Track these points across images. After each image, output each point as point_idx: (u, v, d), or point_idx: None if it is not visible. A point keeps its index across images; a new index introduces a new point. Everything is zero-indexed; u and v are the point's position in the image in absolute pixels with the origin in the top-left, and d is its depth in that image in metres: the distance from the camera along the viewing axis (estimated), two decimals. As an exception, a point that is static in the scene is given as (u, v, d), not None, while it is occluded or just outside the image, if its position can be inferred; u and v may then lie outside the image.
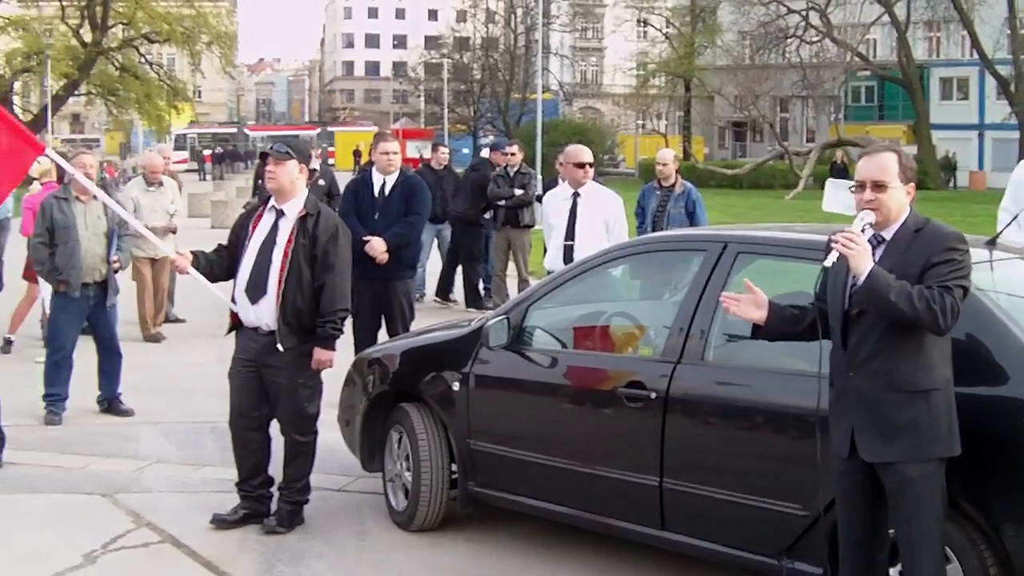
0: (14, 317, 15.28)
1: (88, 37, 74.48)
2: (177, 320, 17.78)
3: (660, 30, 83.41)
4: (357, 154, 77.91)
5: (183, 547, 8.14)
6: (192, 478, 9.80)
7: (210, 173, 78.09)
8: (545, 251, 12.44)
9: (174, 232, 16.52)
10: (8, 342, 15.12)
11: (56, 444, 10.83)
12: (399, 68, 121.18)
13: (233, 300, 8.49)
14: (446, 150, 21.14)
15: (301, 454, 8.43)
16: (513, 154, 18.91)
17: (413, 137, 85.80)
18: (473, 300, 19.09)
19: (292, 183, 8.33)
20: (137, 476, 9.85)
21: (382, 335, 11.53)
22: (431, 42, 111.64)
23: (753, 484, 6.64)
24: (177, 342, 16.26)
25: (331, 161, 66.11)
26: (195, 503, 9.02)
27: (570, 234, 11.49)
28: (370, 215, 11.62)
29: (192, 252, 8.59)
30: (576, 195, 11.57)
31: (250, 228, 8.44)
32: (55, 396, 11.64)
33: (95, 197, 11.59)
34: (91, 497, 9.28)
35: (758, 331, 6.22)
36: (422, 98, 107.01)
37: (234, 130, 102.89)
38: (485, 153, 22.01)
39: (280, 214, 8.33)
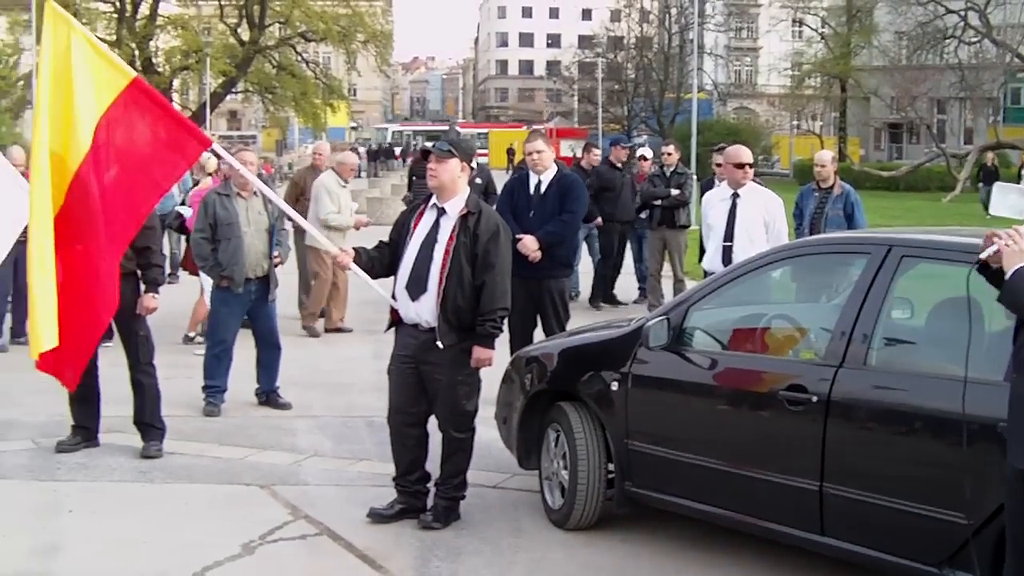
0: (194, 316, 15.50)
1: (246, 35, 75.50)
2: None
3: (816, 30, 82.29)
4: (511, 152, 78.03)
5: (340, 540, 8.21)
6: (348, 472, 9.87)
7: (365, 170, 78.73)
8: (703, 252, 12.36)
9: (357, 228, 16.72)
10: (189, 339, 15.32)
11: (215, 435, 11.01)
12: (553, 67, 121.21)
13: (393, 297, 8.54)
14: (599, 151, 21.03)
15: (458, 450, 8.46)
16: (670, 154, 18.82)
17: (566, 136, 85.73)
18: (596, 299, 19.04)
19: (454, 181, 8.36)
20: (295, 469, 9.96)
21: (538, 334, 11.56)
22: (585, 41, 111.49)
23: (915, 491, 6.52)
24: (334, 337, 16.42)
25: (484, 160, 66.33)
26: (351, 497, 9.11)
27: (729, 235, 11.40)
28: (525, 213, 11.64)
29: (354, 249, 8.67)
30: (735, 196, 11.48)
31: (411, 226, 8.48)
32: (214, 388, 11.82)
33: (256, 193, 11.76)
34: (249, 488, 9.41)
35: None
36: (575, 97, 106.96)
37: (446, 127, 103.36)
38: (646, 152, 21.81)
39: (442, 212, 8.35)
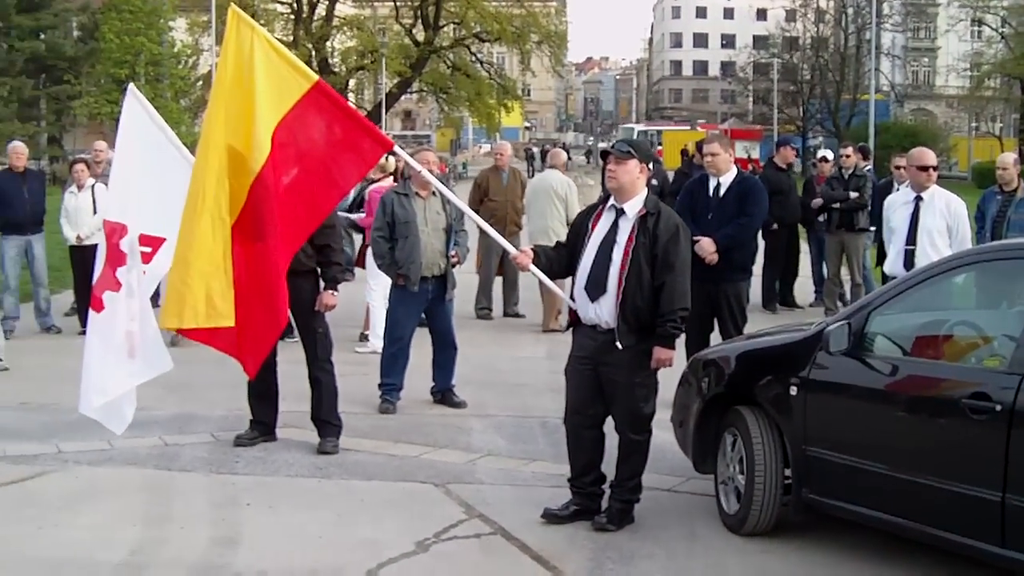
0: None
1: (421, 36, 76.26)
2: (517, 315, 18.03)
3: (996, 30, 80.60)
4: (684, 153, 77.61)
5: (514, 540, 8.21)
6: (523, 472, 9.88)
7: (539, 171, 78.78)
8: (884, 255, 12.17)
9: None
10: (366, 336, 15.46)
11: (390, 433, 11.09)
12: (727, 68, 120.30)
13: (572, 298, 8.53)
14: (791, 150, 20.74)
15: (635, 453, 8.42)
16: (848, 156, 18.58)
17: (741, 137, 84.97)
18: (770, 302, 18.82)
19: (632, 182, 8.32)
20: (469, 467, 10.00)
21: (714, 337, 11.48)
22: (760, 42, 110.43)
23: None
24: (509, 336, 16.48)
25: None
26: (526, 497, 9.11)
27: (911, 238, 11.22)
28: (704, 216, 11.56)
29: (533, 249, 8.68)
30: (918, 199, 11.29)
31: (590, 226, 8.46)
32: (390, 386, 11.92)
33: (434, 193, 11.83)
34: (424, 486, 9.47)
35: None
36: (750, 98, 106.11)
37: (687, 127, 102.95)
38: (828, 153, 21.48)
39: (620, 213, 8.32)
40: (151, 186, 10.11)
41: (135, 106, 10.32)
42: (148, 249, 10.02)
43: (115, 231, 10.01)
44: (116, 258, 9.96)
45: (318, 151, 9.23)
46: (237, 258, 9.14)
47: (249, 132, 9.07)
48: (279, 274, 9.17)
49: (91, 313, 10.09)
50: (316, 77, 9.32)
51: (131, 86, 10.78)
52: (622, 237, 8.23)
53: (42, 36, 69.23)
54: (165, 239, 9.97)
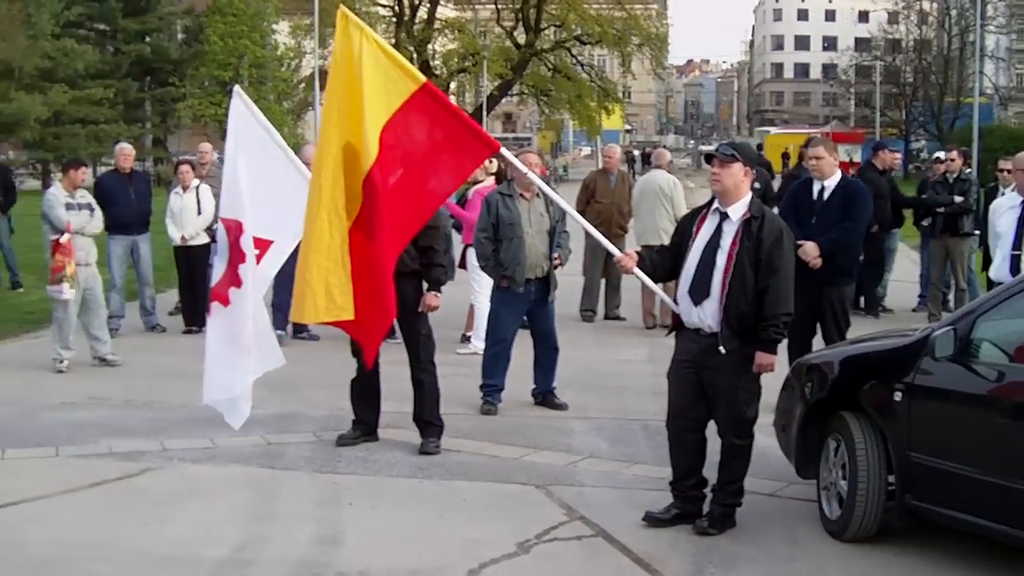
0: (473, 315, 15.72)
1: (522, 39, 76.38)
2: (618, 318, 18.01)
3: (1103, 31, 79.52)
4: (786, 156, 76.96)
5: (615, 542, 8.21)
6: (624, 474, 9.87)
7: (639, 173, 78.57)
8: (989, 260, 12.03)
9: None
10: (466, 339, 15.53)
11: (492, 434, 11.12)
12: (829, 70, 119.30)
13: (675, 301, 8.51)
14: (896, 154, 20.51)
15: (737, 457, 8.38)
16: (952, 160, 18.36)
17: (843, 141, 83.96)
18: (873, 306, 18.62)
19: (737, 186, 8.29)
20: (570, 470, 10.00)
21: (818, 342, 11.41)
22: (862, 44, 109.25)
23: None
24: (610, 339, 16.44)
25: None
26: (627, 499, 9.10)
27: (1017, 243, 11.08)
28: (807, 219, 11.48)
29: (637, 252, 8.68)
30: (1025, 203, 11.16)
31: (694, 230, 8.44)
32: (492, 387, 11.95)
33: (538, 195, 11.86)
34: (525, 488, 9.48)
35: None
36: (852, 101, 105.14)
37: (812, 131, 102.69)
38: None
39: (724, 217, 8.29)
40: (258, 188, 10.23)
41: (240, 108, 10.44)
42: (258, 251, 10.15)
43: (232, 228, 10.15)
44: (237, 255, 10.09)
45: (424, 152, 9.28)
46: (356, 255, 9.24)
47: (359, 132, 9.16)
48: (387, 273, 9.24)
49: (214, 307, 10.20)
50: (423, 78, 9.38)
51: (236, 88, 10.90)
52: (726, 241, 8.20)
53: (147, 39, 70.34)
54: (273, 241, 10.09)
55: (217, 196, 16.54)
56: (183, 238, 16.32)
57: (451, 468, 10.01)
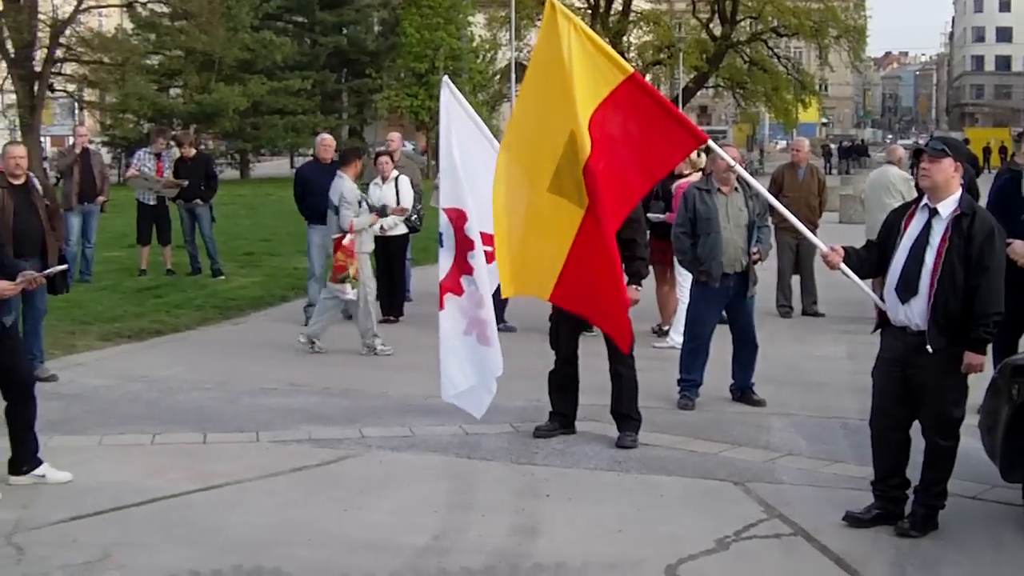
0: (667, 307, 15.66)
1: (718, 31, 75.97)
2: (816, 314, 17.78)
3: None
4: (987, 151, 75.25)
5: (814, 541, 8.08)
6: (823, 473, 9.71)
7: (836, 167, 77.65)
8: None
9: None
10: (664, 331, 15.45)
11: (689, 429, 11.04)
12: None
13: (882, 298, 8.36)
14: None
15: (942, 458, 8.19)
16: None
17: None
18: None
19: (947, 181, 8.10)
20: (769, 466, 9.88)
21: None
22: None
23: None
24: (808, 335, 16.25)
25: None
26: (827, 498, 8.95)
27: None
28: (1016, 216, 11.16)
29: (843, 248, 8.54)
30: None
31: (902, 226, 8.27)
32: (689, 382, 11.87)
33: (736, 189, 11.74)
34: (723, 484, 9.39)
35: None
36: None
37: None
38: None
39: (933, 213, 8.11)
40: (473, 179, 10.30)
41: (450, 99, 10.52)
42: (490, 248, 10.20)
43: (455, 218, 10.23)
44: (464, 243, 10.18)
45: (630, 142, 9.26)
46: (587, 243, 9.30)
47: (574, 121, 9.20)
48: (616, 261, 9.31)
49: (447, 299, 10.28)
50: (631, 68, 9.37)
51: (446, 79, 10.99)
52: (935, 238, 8.01)
53: (344, 32, 71.27)
54: (492, 235, 10.13)
55: (415, 187, 16.77)
56: (382, 228, 16.47)
57: (648, 462, 9.96)
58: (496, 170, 9.82)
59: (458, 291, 10.11)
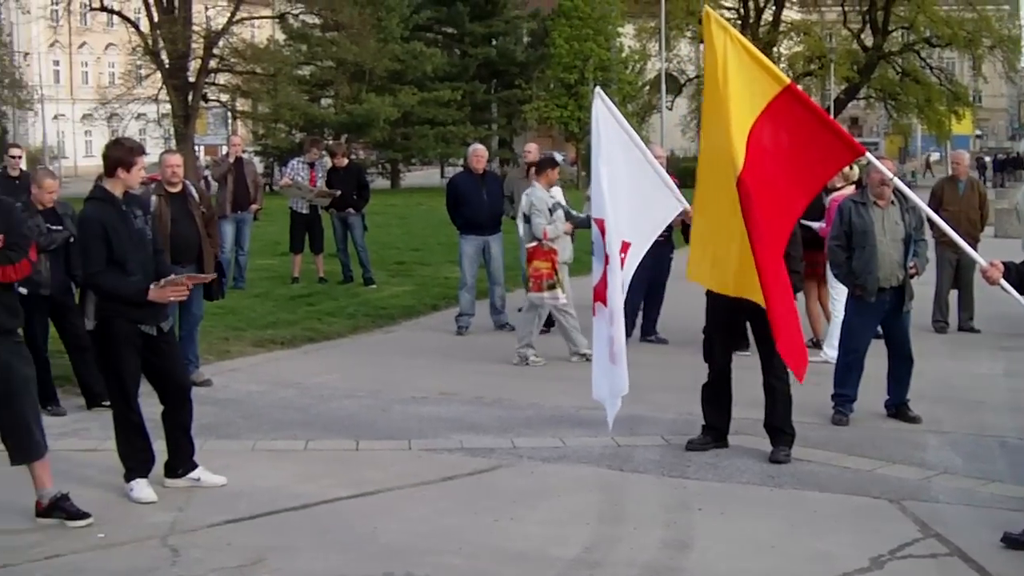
0: (815, 320, 15.54)
1: (869, 41, 75.11)
2: (972, 330, 17.47)
3: None
4: None
5: (971, 562, 7.91)
6: (981, 492, 9.50)
7: (991, 180, 76.34)
8: None
9: None
10: (815, 344, 15.25)
11: (843, 445, 10.89)
12: None
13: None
14: None
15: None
16: None
17: None
18: None
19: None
20: (924, 485, 9.70)
21: None
22: None
23: None
24: (964, 351, 15.93)
25: None
26: (984, 518, 8.76)
27: None
28: None
29: (1003, 263, 8.38)
30: None
31: (1067, 241, 8.12)
32: (844, 397, 11.72)
33: (893, 202, 11.59)
34: (878, 501, 9.23)
35: None
36: None
37: None
38: None
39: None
40: (619, 189, 10.30)
41: (602, 109, 10.50)
42: (622, 255, 10.21)
43: (603, 229, 10.25)
44: (605, 257, 10.19)
45: (787, 155, 9.20)
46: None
47: (728, 134, 9.18)
48: (777, 278, 9.25)
49: (598, 307, 10.30)
50: (787, 80, 9.32)
51: (598, 89, 10.98)
52: (1102, 253, 7.86)
53: (494, 43, 71.69)
54: (631, 243, 10.13)
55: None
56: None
57: (801, 478, 9.84)
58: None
59: (605, 301, 10.13)
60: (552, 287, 14.26)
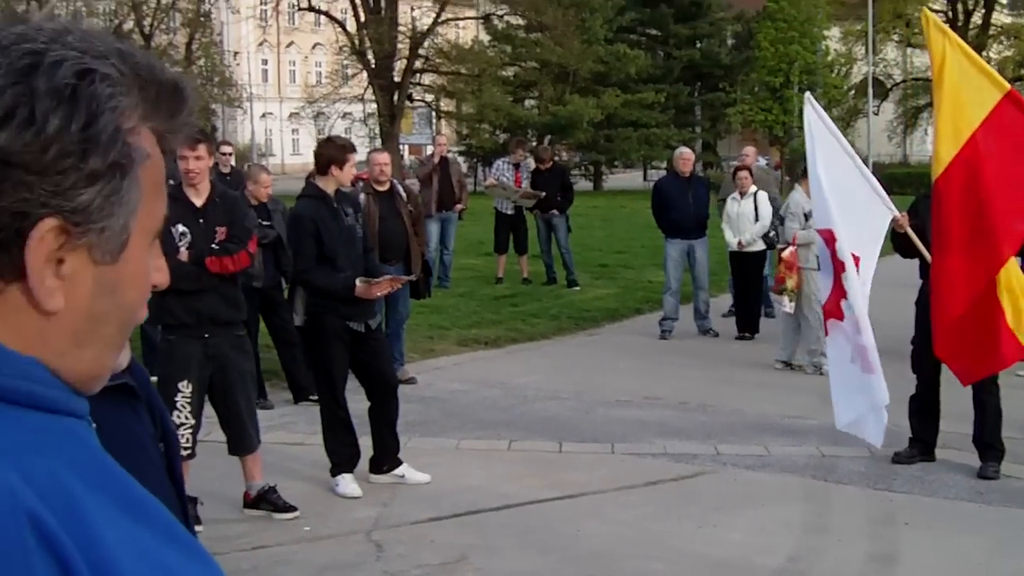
0: None
1: (1087, 44, 73.24)
2: None
3: None
4: None
5: None
6: None
7: None
8: None
9: None
10: None
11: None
12: None
13: None
14: None
15: None
16: None
17: None
18: None
19: None
20: None
21: None
22: None
23: None
24: None
25: None
26: None
27: None
28: None
29: None
30: None
31: None
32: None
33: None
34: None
35: None
36: None
37: None
38: None
39: None
40: (839, 198, 10.13)
41: (813, 116, 10.37)
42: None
43: (829, 239, 10.10)
44: (838, 265, 10.04)
45: (1010, 168, 8.96)
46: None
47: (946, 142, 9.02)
48: (976, 293, 9.03)
49: (830, 324, 10.09)
50: (1008, 86, 9.07)
51: (807, 95, 10.84)
52: None
53: (698, 45, 71.25)
54: (860, 257, 9.93)
55: (772, 201, 16.65)
56: (739, 244, 16.39)
57: (1011, 495, 9.61)
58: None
59: (839, 316, 9.89)
60: (781, 292, 14.10)
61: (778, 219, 14.70)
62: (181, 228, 8.53)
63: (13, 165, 1.31)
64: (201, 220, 8.58)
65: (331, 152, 9.49)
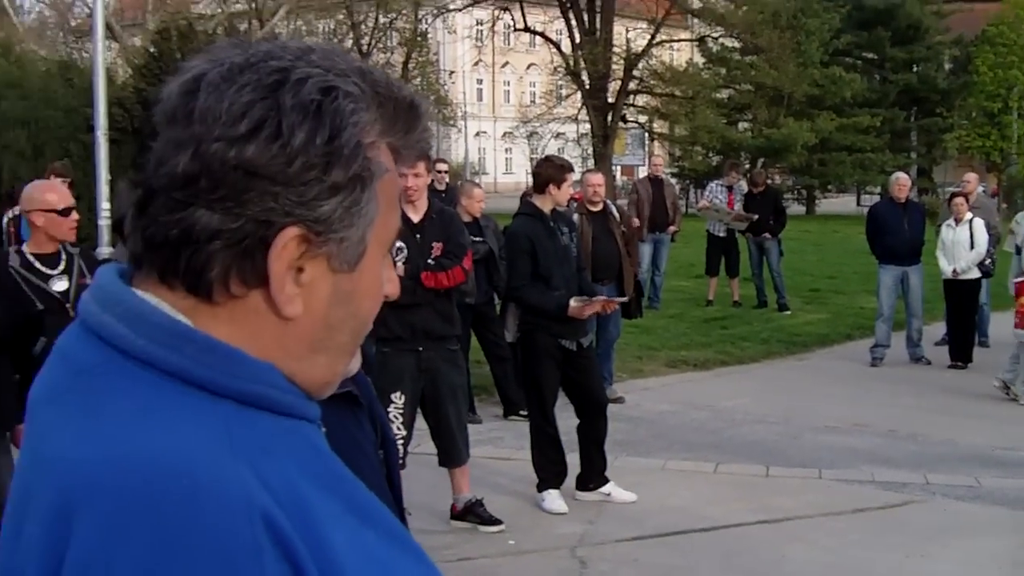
0: None
1: None
2: None
3: None
4: None
5: None
6: None
7: None
8: None
9: None
10: None
11: None
12: None
13: None
14: None
15: None
16: None
17: None
18: None
19: None
20: None
21: None
22: None
23: None
24: None
25: None
26: None
27: None
28: None
29: None
30: None
31: None
32: None
33: None
34: None
35: None
36: None
37: None
38: None
39: None
40: None
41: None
42: None
43: None
44: None
45: None
46: None
47: None
48: None
49: None
50: None
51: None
52: None
53: (915, 69, 70.04)
54: None
55: (990, 228, 16.35)
56: (954, 271, 16.12)
57: None
58: None
59: None
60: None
61: (1014, 249, 14.35)
62: (398, 243, 8.71)
63: (260, 176, 1.39)
64: (418, 236, 8.75)
65: (550, 171, 9.61)
